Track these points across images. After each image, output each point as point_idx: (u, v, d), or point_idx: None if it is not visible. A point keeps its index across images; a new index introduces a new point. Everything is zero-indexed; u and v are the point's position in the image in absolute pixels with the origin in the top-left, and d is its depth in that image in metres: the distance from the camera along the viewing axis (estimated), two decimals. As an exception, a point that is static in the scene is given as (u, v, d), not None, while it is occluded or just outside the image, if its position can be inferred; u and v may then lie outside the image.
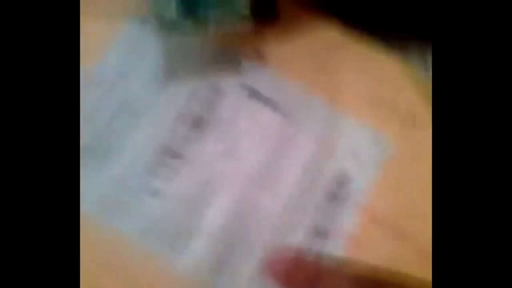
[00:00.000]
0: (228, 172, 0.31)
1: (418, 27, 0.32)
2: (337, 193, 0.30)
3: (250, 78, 0.32)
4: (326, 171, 0.31)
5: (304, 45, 0.33)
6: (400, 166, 0.31)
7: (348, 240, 0.29)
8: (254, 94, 0.32)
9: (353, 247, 0.29)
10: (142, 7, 0.32)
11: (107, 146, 0.30)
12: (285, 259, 0.26)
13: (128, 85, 0.32)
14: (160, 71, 0.32)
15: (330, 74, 0.33)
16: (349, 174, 0.31)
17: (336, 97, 0.32)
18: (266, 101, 0.32)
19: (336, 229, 0.30)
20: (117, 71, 0.32)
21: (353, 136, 0.32)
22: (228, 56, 0.33)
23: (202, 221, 0.29)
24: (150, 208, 0.29)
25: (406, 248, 0.29)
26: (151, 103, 0.32)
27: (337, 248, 0.29)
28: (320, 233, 0.30)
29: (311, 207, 0.30)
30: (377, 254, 0.29)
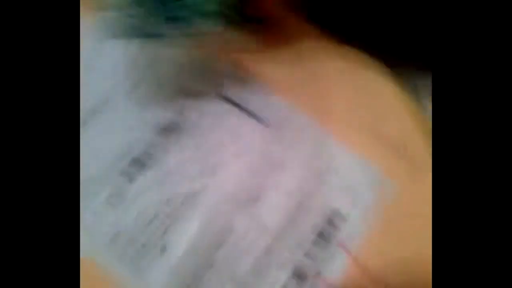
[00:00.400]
0: (199, 186, 0.26)
1: (414, 53, 0.28)
2: (325, 232, 0.26)
3: (231, 89, 0.28)
4: (314, 202, 0.27)
5: (293, 57, 0.30)
6: (401, 212, 0.27)
7: (329, 289, 0.25)
8: (235, 104, 0.28)
9: (334, 299, 0.25)
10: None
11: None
12: None
13: (88, 79, 0.27)
14: (128, 77, 0.28)
15: (319, 92, 0.29)
16: (342, 212, 0.27)
17: (325, 118, 0.28)
18: (249, 112, 0.28)
19: (319, 275, 0.25)
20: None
21: (347, 167, 0.28)
22: (206, 64, 0.29)
23: (163, 242, 0.25)
24: (102, 218, 0.25)
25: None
26: (112, 104, 0.28)
27: (316, 296, 0.25)
28: (300, 276, 0.25)
29: (293, 243, 0.26)
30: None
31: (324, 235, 0.26)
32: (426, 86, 0.29)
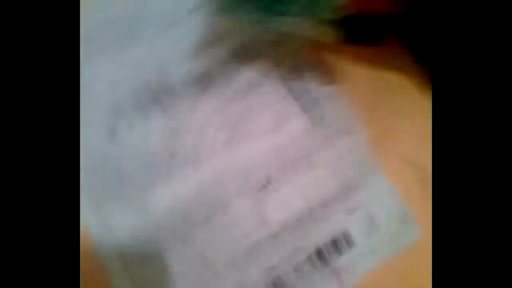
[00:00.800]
0: (212, 144, 0.23)
1: None
2: (325, 251, 0.23)
3: (305, 80, 0.24)
4: (328, 215, 0.23)
5: (379, 80, 0.25)
6: (413, 263, 0.23)
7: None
8: (297, 92, 0.24)
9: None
10: None
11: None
12: None
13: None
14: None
15: (388, 119, 0.25)
16: (351, 239, 0.23)
17: (380, 142, 0.24)
18: (302, 99, 0.24)
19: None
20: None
21: (378, 195, 0.24)
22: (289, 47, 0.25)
23: (147, 195, 0.22)
24: (98, 145, 0.22)
25: None
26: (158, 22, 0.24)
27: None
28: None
29: (288, 251, 0.23)
30: None
31: (322, 255, 0.23)
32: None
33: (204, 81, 0.24)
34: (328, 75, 0.25)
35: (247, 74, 0.24)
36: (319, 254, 0.23)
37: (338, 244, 0.23)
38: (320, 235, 0.23)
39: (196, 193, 0.22)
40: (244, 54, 0.25)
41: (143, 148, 0.23)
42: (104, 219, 0.22)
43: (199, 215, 0.22)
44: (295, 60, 0.25)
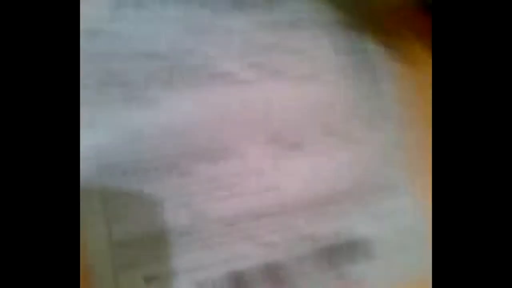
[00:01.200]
0: (229, 69, 0.18)
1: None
2: (335, 254, 0.18)
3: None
4: (351, 212, 0.18)
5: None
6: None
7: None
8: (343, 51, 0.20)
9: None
10: None
11: None
12: None
13: None
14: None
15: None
16: (370, 248, 0.18)
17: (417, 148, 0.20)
18: (352, 55, 0.20)
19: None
20: None
21: (409, 210, 0.19)
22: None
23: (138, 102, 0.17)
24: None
25: None
26: None
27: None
28: (272, 274, 0.17)
29: (289, 236, 0.18)
30: None
31: (331, 255, 0.18)
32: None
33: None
34: (391, 46, 0.21)
35: (294, 10, 0.20)
36: (329, 253, 0.18)
37: (354, 250, 0.18)
38: (333, 231, 0.18)
39: (204, 120, 0.17)
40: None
41: (149, 41, 0.18)
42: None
43: (203, 149, 0.17)
44: (361, 16, 0.21)
